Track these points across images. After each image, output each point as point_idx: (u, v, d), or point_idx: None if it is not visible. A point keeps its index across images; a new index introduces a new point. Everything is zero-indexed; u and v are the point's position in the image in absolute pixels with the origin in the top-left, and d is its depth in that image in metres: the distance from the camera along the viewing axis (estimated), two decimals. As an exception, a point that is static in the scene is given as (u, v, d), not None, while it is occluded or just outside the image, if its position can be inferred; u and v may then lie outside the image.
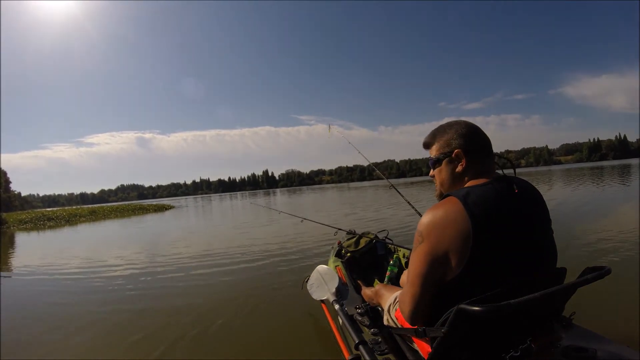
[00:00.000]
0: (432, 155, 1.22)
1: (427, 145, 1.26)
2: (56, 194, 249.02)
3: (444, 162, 1.18)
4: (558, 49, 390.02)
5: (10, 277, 5.85)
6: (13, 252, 9.62)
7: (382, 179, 3.65)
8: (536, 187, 1.13)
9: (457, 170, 1.14)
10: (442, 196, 1.11)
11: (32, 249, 10.26)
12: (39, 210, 37.16)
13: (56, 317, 3.46)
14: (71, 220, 21.07)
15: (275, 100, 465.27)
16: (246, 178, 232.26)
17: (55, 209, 36.42)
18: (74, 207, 36.77)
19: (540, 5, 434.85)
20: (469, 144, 1.14)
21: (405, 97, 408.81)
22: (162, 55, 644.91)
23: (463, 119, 1.23)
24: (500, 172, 1.14)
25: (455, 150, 1.14)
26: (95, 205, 40.37)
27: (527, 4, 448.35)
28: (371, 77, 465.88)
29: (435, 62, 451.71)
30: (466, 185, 1.08)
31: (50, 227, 17.68)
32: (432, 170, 1.25)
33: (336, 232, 3.35)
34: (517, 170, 1.30)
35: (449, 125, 1.21)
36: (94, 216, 22.86)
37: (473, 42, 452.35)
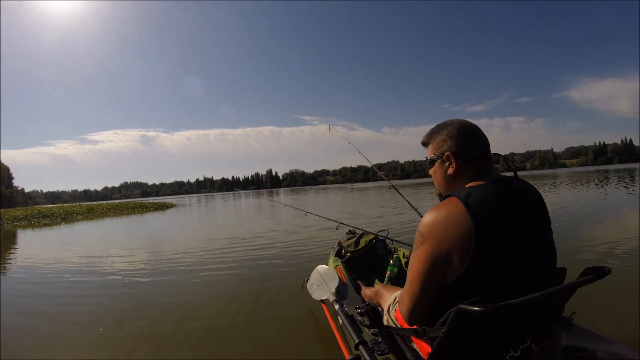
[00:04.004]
0: (427, 156, 1.22)
1: (424, 144, 1.26)
2: (60, 190, 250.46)
3: (437, 163, 1.18)
4: (562, 52, 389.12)
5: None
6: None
7: (383, 180, 3.67)
8: (541, 190, 1.13)
9: (448, 172, 1.14)
10: (442, 196, 1.11)
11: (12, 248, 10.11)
12: (35, 206, 36.42)
13: (45, 320, 3.35)
14: (67, 217, 20.34)
15: (278, 100, 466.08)
16: (249, 177, 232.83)
17: (51, 205, 35.94)
18: (72, 204, 36.02)
19: (545, 7, 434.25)
20: (460, 146, 1.13)
21: (409, 98, 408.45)
22: (167, 54, 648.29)
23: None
24: (500, 173, 1.14)
25: (446, 153, 1.13)
26: (94, 203, 40.11)
27: (532, 6, 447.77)
28: (375, 78, 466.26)
29: (439, 64, 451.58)
30: (467, 186, 1.07)
31: (45, 225, 17.03)
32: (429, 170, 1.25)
33: (338, 226, 3.35)
34: (522, 172, 1.29)
35: (444, 125, 1.19)
36: (92, 214, 22.38)
37: (477, 44, 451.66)
